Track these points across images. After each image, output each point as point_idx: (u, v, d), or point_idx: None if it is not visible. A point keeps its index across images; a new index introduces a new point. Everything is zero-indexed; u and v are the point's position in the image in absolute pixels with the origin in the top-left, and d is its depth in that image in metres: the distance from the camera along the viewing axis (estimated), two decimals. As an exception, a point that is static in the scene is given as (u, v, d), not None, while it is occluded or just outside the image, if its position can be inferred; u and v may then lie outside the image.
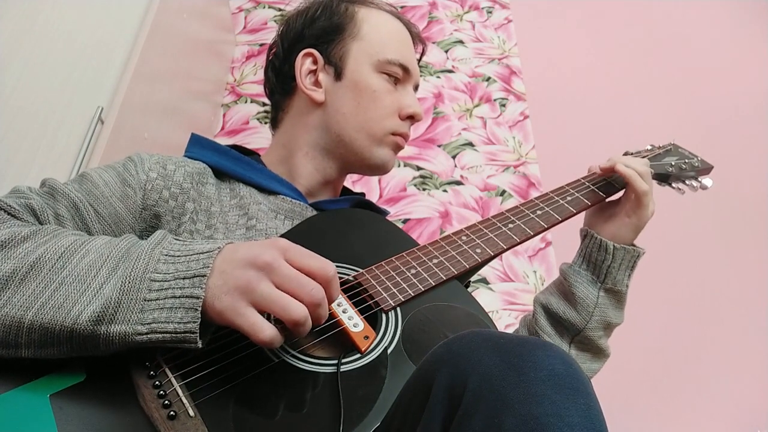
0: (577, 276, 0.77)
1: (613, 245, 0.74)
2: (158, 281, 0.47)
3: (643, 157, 0.87)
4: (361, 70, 0.77)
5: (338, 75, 0.78)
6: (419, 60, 0.87)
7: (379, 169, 0.81)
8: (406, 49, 0.81)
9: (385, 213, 0.87)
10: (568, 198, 0.77)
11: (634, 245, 0.77)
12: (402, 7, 2.13)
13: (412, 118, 0.80)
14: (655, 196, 0.77)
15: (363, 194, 0.89)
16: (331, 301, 0.50)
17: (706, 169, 0.88)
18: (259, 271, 0.47)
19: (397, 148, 0.81)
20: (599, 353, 0.78)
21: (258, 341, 0.46)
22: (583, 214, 0.80)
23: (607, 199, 0.79)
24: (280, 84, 0.82)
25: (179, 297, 0.46)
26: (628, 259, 0.75)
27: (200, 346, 0.46)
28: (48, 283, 0.47)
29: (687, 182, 0.86)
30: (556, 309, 0.77)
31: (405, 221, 1.62)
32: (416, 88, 0.84)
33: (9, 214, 0.56)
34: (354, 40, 0.78)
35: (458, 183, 1.72)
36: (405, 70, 0.79)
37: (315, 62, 0.79)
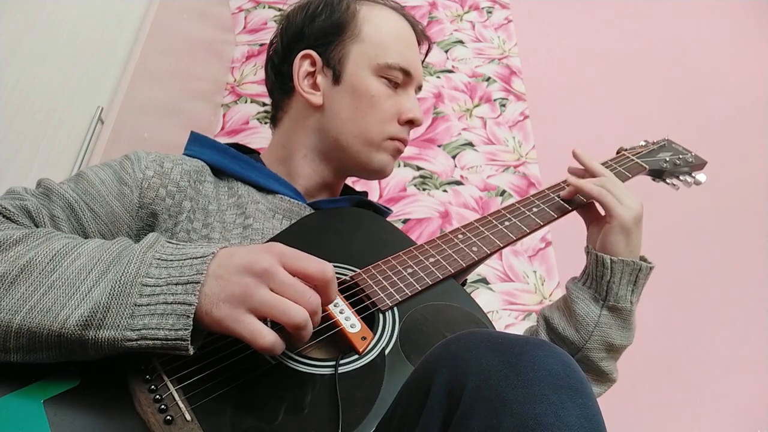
0: (579, 292, 0.73)
1: (610, 259, 0.69)
2: (150, 286, 0.46)
3: (637, 153, 0.88)
4: (360, 74, 0.75)
5: (336, 78, 0.76)
6: (424, 59, 0.85)
7: (377, 174, 0.80)
8: (408, 51, 0.78)
9: (386, 213, 0.86)
10: (577, 195, 0.77)
11: (643, 258, 0.72)
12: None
13: (411, 123, 0.79)
14: (653, 195, 0.76)
15: (365, 193, 0.88)
16: (328, 303, 0.50)
17: (699, 164, 0.88)
18: (256, 278, 0.46)
19: (397, 152, 0.79)
20: (602, 376, 0.73)
21: (259, 348, 0.46)
22: (581, 219, 0.80)
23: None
24: (279, 83, 0.82)
25: (171, 303, 0.45)
26: (628, 273, 0.70)
27: (191, 353, 0.46)
28: (37, 287, 0.46)
29: (681, 178, 0.86)
30: (557, 325, 0.73)
31: (405, 221, 1.62)
32: (419, 89, 0.82)
33: (4, 216, 0.56)
34: (354, 42, 0.76)
35: (458, 183, 1.72)
36: (406, 73, 0.77)
37: (313, 64, 0.77)
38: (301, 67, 0.77)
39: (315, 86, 0.77)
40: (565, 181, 0.79)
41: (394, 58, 0.76)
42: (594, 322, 0.70)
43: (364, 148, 0.76)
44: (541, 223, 0.73)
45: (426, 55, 0.86)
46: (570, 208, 0.76)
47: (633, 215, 0.70)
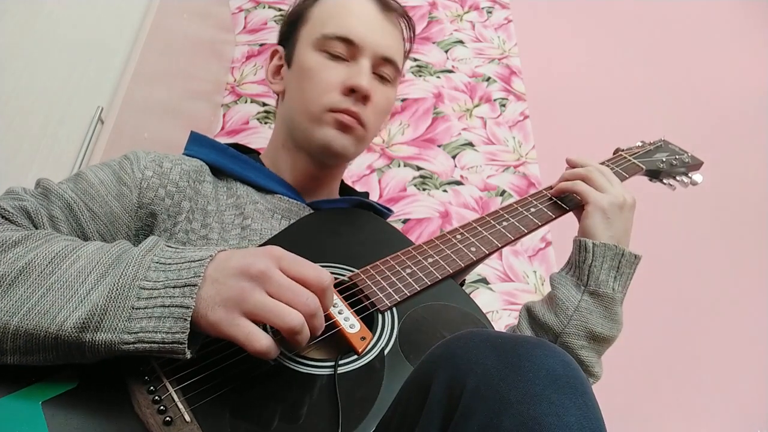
0: (561, 280, 0.72)
1: (591, 243, 0.69)
2: (147, 289, 0.46)
3: (634, 153, 0.88)
4: (302, 52, 0.76)
5: (289, 63, 0.79)
6: (411, 36, 0.81)
7: (324, 150, 0.73)
8: (353, 20, 0.74)
9: (387, 214, 0.86)
10: (562, 195, 0.77)
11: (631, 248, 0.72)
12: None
13: (354, 92, 0.72)
14: (650, 196, 0.76)
15: (366, 194, 0.88)
16: (324, 310, 0.50)
17: (696, 164, 0.88)
18: (252, 281, 0.46)
19: (341, 126, 0.72)
20: (581, 368, 0.71)
21: (254, 352, 0.45)
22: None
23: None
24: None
25: (168, 306, 0.45)
26: (610, 258, 0.68)
27: (188, 356, 0.45)
28: (36, 289, 0.46)
29: (678, 178, 0.87)
30: (537, 311, 0.71)
31: (405, 221, 1.62)
32: (385, 61, 0.75)
33: (2, 216, 0.56)
34: (303, 25, 0.78)
35: (458, 183, 1.72)
36: (348, 42, 0.72)
37: (280, 58, 0.81)
38: (271, 62, 0.82)
39: (279, 76, 0.80)
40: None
41: (331, 28, 0.73)
42: (574, 306, 0.68)
43: (307, 124, 0.74)
44: (539, 223, 0.73)
45: (412, 31, 0.81)
46: (567, 208, 0.76)
47: (611, 200, 0.71)
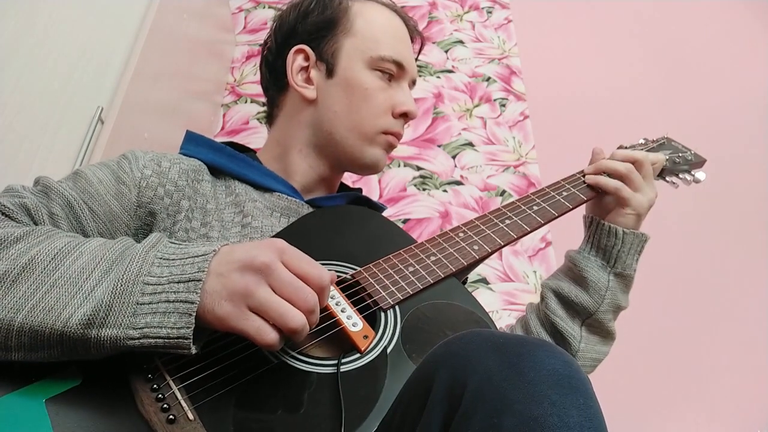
0: (587, 261, 0.76)
1: (622, 230, 0.75)
2: (152, 284, 0.46)
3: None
4: (353, 68, 0.76)
5: (330, 72, 0.77)
6: (417, 56, 0.85)
7: (370, 168, 0.80)
8: (401, 45, 0.79)
9: (382, 209, 0.87)
10: (564, 193, 0.77)
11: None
12: (402, 7, 2.13)
13: (405, 116, 0.79)
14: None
15: (360, 190, 0.89)
16: (321, 306, 0.50)
17: (699, 162, 0.87)
18: (256, 275, 0.46)
19: (390, 147, 0.79)
20: (608, 336, 0.79)
21: (263, 344, 0.46)
22: (580, 209, 0.80)
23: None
24: (273, 80, 0.82)
25: (173, 301, 0.45)
26: (636, 244, 0.76)
27: (194, 352, 0.46)
28: (39, 285, 0.46)
29: (680, 176, 0.86)
30: (568, 293, 0.76)
31: (405, 221, 1.62)
32: (413, 83, 0.82)
33: (3, 213, 0.56)
34: (346, 36, 0.77)
35: (458, 183, 1.72)
36: (399, 66, 0.77)
37: (307, 59, 0.78)
38: (295, 61, 0.78)
39: (309, 80, 0.78)
40: (565, 179, 0.80)
41: (386, 50, 0.76)
42: (605, 286, 0.75)
43: (357, 142, 0.77)
44: (542, 222, 0.73)
45: (419, 51, 0.86)
46: (570, 207, 0.76)
47: (648, 205, 0.76)
